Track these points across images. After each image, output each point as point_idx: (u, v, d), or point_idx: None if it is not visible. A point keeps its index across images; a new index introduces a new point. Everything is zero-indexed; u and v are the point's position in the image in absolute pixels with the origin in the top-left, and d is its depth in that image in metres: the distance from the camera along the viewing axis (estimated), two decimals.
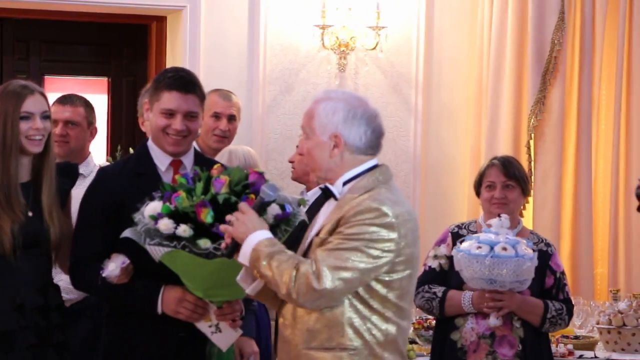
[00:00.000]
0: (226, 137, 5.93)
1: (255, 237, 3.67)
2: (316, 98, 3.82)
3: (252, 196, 3.94)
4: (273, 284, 3.63)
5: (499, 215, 5.08)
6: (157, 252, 3.94)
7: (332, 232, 3.67)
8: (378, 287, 3.66)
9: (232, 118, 5.99)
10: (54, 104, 5.13)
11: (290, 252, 3.67)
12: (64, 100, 5.39)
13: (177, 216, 3.94)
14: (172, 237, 3.92)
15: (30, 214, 4.27)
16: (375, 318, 3.68)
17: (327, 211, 3.81)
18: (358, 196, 3.69)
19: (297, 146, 5.89)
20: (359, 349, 3.67)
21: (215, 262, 3.90)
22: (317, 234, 3.72)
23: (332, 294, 3.60)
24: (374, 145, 3.79)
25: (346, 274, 3.59)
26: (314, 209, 5.17)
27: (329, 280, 3.57)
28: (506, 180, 5.21)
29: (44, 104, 4.30)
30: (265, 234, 3.69)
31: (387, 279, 3.66)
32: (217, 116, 5.93)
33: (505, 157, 5.45)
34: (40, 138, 4.27)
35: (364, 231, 3.61)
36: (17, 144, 4.24)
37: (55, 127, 5.10)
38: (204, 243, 3.90)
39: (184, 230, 3.91)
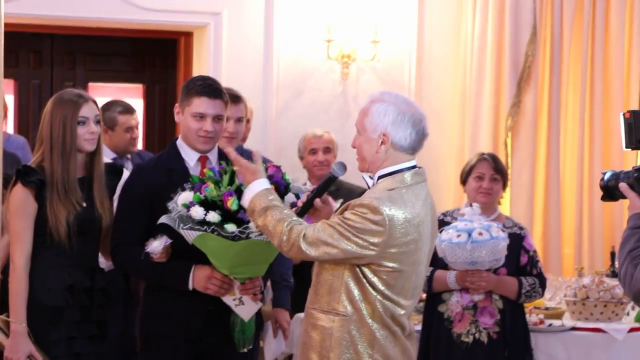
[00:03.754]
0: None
1: (252, 188, 3.75)
2: (372, 98, 3.79)
3: (272, 187, 3.97)
4: (268, 235, 3.71)
5: (470, 205, 5.12)
6: (190, 235, 3.97)
7: (341, 212, 3.70)
8: (367, 272, 3.67)
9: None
10: None
11: (283, 208, 3.71)
12: None
13: (207, 204, 3.97)
14: (203, 222, 3.95)
15: (84, 204, 4.31)
16: (365, 295, 3.68)
17: None
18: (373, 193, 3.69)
19: (327, 147, 5.97)
20: (349, 315, 3.68)
21: (240, 244, 3.95)
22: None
23: (315, 259, 3.68)
24: (416, 145, 3.74)
25: (332, 250, 3.61)
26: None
27: (315, 250, 3.62)
28: (494, 174, 5.25)
29: (95, 110, 4.33)
30: (261, 185, 3.75)
31: (374, 267, 3.66)
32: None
33: (493, 154, 5.49)
34: (93, 139, 4.32)
35: (358, 221, 3.60)
36: (75, 144, 4.28)
37: None
38: (231, 227, 3.94)
39: (213, 216, 3.94)
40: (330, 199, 3.95)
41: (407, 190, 3.70)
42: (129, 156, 6.13)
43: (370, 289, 3.68)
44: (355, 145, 3.81)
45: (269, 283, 5.23)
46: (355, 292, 3.68)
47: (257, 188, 3.75)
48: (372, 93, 3.87)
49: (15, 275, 4.20)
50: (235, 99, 5.23)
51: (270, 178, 4.00)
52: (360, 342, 3.69)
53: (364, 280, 3.68)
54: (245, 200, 3.76)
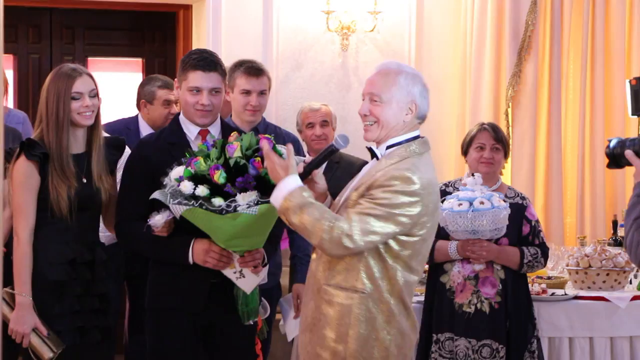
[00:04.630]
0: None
1: (285, 185, 3.66)
2: (390, 69, 3.79)
3: (258, 159, 3.96)
4: (304, 234, 3.65)
5: (472, 174, 5.10)
6: (178, 210, 3.97)
7: (363, 194, 3.67)
8: (393, 244, 3.68)
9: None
10: None
11: (318, 205, 3.65)
12: None
13: (196, 178, 3.97)
14: (192, 197, 3.95)
15: (84, 180, 4.31)
16: (386, 270, 3.70)
17: (366, 169, 3.83)
18: (393, 163, 3.70)
19: (324, 121, 5.88)
20: (369, 292, 3.69)
21: (227, 218, 3.93)
22: (356, 190, 3.74)
23: (360, 251, 3.64)
24: (426, 116, 3.85)
25: (374, 237, 3.62)
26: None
27: (359, 242, 3.60)
28: (495, 143, 5.24)
29: (91, 84, 4.34)
30: (294, 182, 3.67)
31: (403, 239, 3.68)
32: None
33: (493, 123, 5.47)
34: (90, 114, 4.32)
35: (392, 197, 3.61)
36: (68, 119, 4.28)
37: None
38: (218, 201, 3.93)
39: (201, 190, 3.93)
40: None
41: (419, 159, 3.76)
42: None
43: (391, 262, 3.69)
44: (375, 114, 3.77)
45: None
46: (375, 269, 3.69)
47: (290, 185, 3.67)
48: (386, 62, 3.90)
49: (20, 248, 4.21)
50: (258, 72, 5.23)
51: (260, 150, 3.99)
52: (378, 318, 3.70)
53: (386, 255, 3.69)
54: (277, 198, 3.68)
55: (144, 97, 6.10)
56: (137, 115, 6.15)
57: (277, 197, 3.68)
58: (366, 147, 3.86)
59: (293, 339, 5.57)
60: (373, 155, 3.83)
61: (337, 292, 3.72)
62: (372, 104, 3.77)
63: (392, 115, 3.75)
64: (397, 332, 3.73)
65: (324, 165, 3.97)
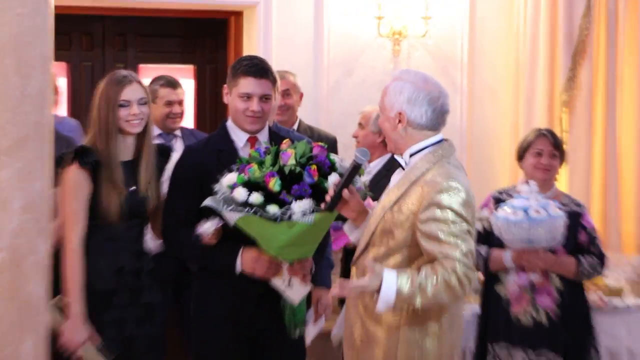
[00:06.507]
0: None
1: (388, 286, 3.46)
2: (393, 76, 3.76)
3: (314, 167, 3.89)
4: (439, 301, 3.51)
5: (527, 182, 4.98)
6: (232, 217, 3.91)
7: (416, 211, 3.56)
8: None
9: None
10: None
11: (416, 277, 3.48)
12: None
13: (250, 185, 3.91)
14: (246, 204, 3.89)
15: (133, 187, 4.24)
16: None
17: (395, 179, 3.74)
18: (426, 172, 3.61)
19: (359, 123, 5.79)
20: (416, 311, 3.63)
21: (283, 225, 3.87)
22: (392, 206, 3.63)
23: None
24: (435, 122, 3.70)
25: (471, 253, 3.53)
26: (378, 179, 5.15)
27: (471, 265, 3.50)
28: (553, 150, 5.14)
29: (140, 92, 4.28)
30: (391, 278, 3.47)
31: None
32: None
33: (550, 129, 5.36)
34: (139, 121, 4.26)
35: (457, 211, 3.51)
36: (116, 127, 4.24)
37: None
38: (273, 209, 3.87)
39: (256, 197, 3.88)
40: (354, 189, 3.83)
41: (448, 163, 3.68)
42: (177, 133, 6.06)
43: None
44: (380, 126, 3.77)
45: None
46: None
47: (390, 290, 3.46)
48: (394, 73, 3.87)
49: (72, 256, 4.16)
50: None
51: (314, 157, 3.93)
52: (426, 336, 3.66)
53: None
54: (389, 304, 3.48)
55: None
56: None
57: (389, 304, 3.47)
58: (396, 158, 3.79)
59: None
60: (397, 165, 3.79)
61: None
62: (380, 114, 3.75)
63: (388, 126, 3.70)
64: (442, 345, 3.64)
65: (355, 181, 3.85)
